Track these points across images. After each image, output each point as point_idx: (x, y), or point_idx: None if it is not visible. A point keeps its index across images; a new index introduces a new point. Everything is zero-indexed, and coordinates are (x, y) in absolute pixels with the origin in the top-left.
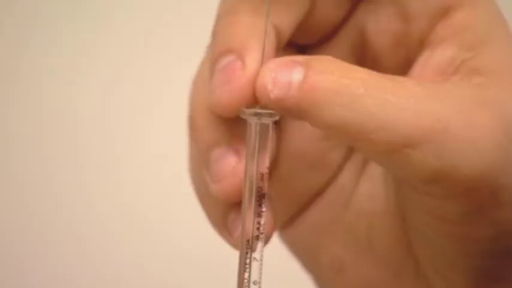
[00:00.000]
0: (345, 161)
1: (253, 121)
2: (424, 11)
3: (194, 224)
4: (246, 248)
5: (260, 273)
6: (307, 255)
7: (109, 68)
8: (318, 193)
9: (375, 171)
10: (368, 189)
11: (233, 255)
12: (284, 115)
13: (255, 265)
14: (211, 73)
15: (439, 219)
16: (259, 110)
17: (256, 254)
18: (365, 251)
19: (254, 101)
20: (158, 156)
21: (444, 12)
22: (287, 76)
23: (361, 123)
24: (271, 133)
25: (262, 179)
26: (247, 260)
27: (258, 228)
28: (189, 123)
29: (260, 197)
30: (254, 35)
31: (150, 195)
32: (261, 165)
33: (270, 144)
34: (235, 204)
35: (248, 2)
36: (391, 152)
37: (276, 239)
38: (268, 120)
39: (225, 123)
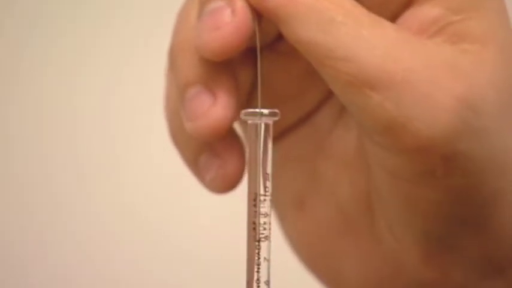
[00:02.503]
0: (325, 101)
1: (254, 122)
2: None
3: (194, 224)
4: (256, 248)
5: (269, 273)
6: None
7: (109, 68)
8: (292, 128)
9: (351, 118)
10: (342, 135)
11: (233, 255)
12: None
13: (264, 265)
14: (199, 14)
15: (392, 175)
16: (259, 111)
17: (264, 254)
18: (327, 194)
19: (242, 47)
20: (158, 156)
21: None
22: None
23: (330, 48)
24: (271, 133)
25: (268, 179)
26: (259, 261)
27: (265, 229)
28: (169, 57)
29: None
30: None
31: (150, 195)
32: (265, 165)
33: (271, 144)
34: (208, 145)
35: None
36: (351, 87)
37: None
38: (269, 120)
39: (206, 63)
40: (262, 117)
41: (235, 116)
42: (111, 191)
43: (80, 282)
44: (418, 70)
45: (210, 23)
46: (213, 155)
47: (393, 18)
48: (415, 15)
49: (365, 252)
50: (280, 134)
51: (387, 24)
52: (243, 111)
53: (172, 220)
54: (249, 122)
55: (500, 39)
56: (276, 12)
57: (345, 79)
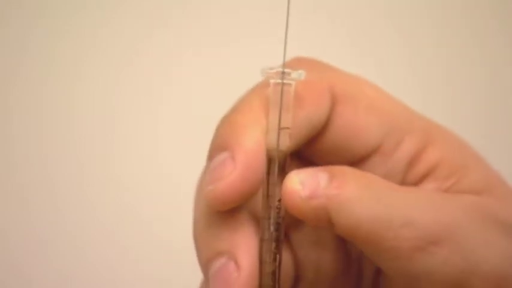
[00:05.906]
0: None
1: (277, 81)
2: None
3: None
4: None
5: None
6: None
7: (110, 68)
8: None
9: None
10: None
11: None
12: (312, 224)
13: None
14: (205, 169)
15: None
16: (282, 70)
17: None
18: None
19: (246, 194)
20: (159, 156)
21: (417, 156)
22: (314, 179)
23: (390, 218)
24: (293, 94)
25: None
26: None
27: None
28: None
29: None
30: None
31: (151, 195)
32: (284, 123)
33: (292, 106)
34: None
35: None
36: (416, 251)
37: None
38: (291, 81)
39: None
40: (285, 77)
41: None
42: (111, 191)
43: (80, 282)
44: (460, 215)
45: (213, 174)
46: None
47: None
48: None
49: None
50: None
51: (419, 187)
52: (266, 70)
53: (173, 220)
54: (272, 81)
55: (496, 180)
56: (327, 206)
57: (411, 245)
